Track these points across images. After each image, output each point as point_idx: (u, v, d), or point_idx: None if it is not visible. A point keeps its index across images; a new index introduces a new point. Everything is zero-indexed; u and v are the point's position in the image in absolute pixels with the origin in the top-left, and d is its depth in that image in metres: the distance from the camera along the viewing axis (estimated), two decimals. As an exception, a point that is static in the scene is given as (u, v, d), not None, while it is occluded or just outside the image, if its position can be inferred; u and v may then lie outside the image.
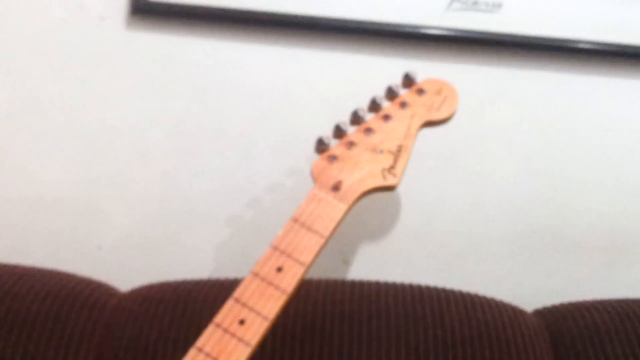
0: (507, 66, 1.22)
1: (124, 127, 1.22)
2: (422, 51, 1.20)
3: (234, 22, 1.19)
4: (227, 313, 0.83)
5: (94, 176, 1.23)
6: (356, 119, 0.94)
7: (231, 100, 1.22)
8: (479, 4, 1.20)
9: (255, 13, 1.18)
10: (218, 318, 0.82)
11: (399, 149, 0.93)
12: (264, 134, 1.23)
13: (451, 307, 1.07)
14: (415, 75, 0.97)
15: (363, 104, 0.95)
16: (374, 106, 0.94)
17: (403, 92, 0.96)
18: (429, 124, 0.96)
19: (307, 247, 0.86)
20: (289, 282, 0.84)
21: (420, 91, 0.96)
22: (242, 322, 0.82)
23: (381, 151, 0.92)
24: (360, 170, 0.91)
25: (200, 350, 0.81)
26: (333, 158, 0.91)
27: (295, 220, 0.87)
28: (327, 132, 0.93)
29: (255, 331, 0.82)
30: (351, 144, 0.92)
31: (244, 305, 0.83)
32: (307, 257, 0.85)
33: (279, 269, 0.85)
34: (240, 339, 0.81)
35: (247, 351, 0.81)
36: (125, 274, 1.18)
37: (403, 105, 0.95)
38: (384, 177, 0.91)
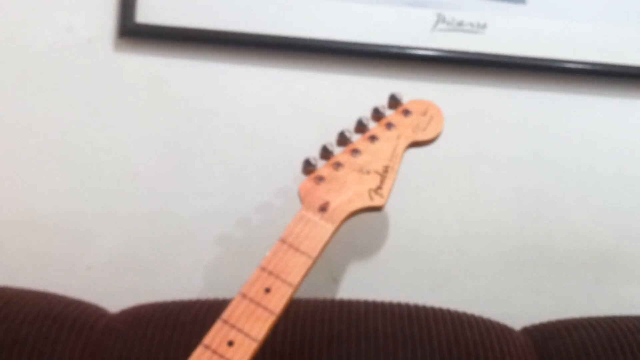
0: (492, 86, 1.23)
1: (113, 148, 1.23)
2: (408, 72, 1.21)
3: (221, 43, 1.20)
4: (216, 334, 0.83)
5: (83, 197, 1.23)
6: (343, 139, 0.94)
7: (219, 121, 1.23)
8: (464, 24, 1.21)
9: (242, 35, 1.19)
10: (207, 339, 0.83)
11: (386, 170, 0.93)
12: (252, 155, 1.23)
13: (440, 327, 1.07)
14: (401, 96, 0.98)
15: (350, 125, 0.96)
16: (361, 127, 0.95)
17: (389, 113, 0.97)
18: (415, 144, 0.97)
19: (295, 268, 0.86)
20: (277, 303, 0.84)
21: (406, 112, 0.97)
22: (230, 343, 0.82)
23: (368, 172, 0.93)
24: (347, 191, 0.91)
25: None
26: (320, 179, 0.92)
27: (283, 241, 0.88)
28: (314, 153, 0.94)
29: (244, 352, 0.82)
30: (338, 165, 0.93)
31: (233, 326, 0.83)
32: (295, 278, 0.86)
33: (267, 290, 0.85)
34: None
35: None
36: (114, 294, 1.18)
37: (389, 126, 0.96)
38: (371, 198, 0.92)
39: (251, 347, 0.82)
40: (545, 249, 1.27)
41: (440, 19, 1.20)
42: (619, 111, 1.25)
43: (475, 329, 1.09)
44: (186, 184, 1.24)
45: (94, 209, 1.23)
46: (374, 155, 0.94)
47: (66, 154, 1.22)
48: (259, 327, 0.83)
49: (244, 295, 0.85)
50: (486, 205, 1.26)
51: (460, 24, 1.21)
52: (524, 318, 1.18)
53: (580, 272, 1.27)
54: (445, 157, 1.22)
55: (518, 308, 1.25)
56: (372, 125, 0.96)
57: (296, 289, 0.86)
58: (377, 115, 0.97)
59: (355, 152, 0.94)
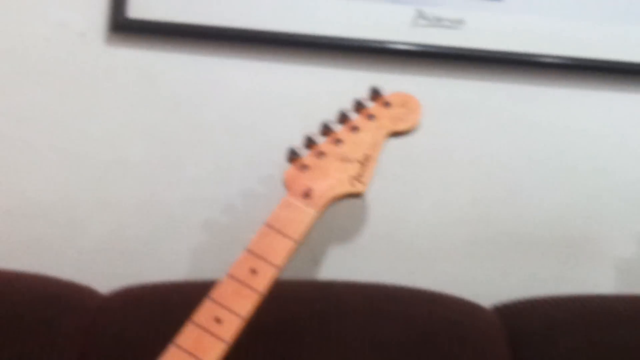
0: (469, 79, 1.27)
1: (104, 139, 1.25)
2: (389, 65, 1.25)
3: (210, 38, 1.22)
4: (205, 312, 0.88)
5: (76, 185, 1.26)
6: (326, 130, 0.99)
7: (207, 113, 1.26)
8: (442, 20, 1.24)
9: (230, 30, 1.22)
10: (196, 317, 0.88)
11: (367, 158, 0.98)
12: (239, 145, 1.26)
13: (415, 305, 1.12)
14: (382, 89, 1.02)
15: (332, 116, 0.99)
16: (343, 118, 0.99)
17: (370, 105, 1.01)
18: (395, 134, 1.01)
19: (279, 251, 0.91)
20: (263, 283, 0.89)
21: (387, 104, 1.01)
22: (218, 320, 0.87)
23: (349, 160, 0.97)
24: (330, 178, 0.96)
25: (178, 347, 0.87)
26: (304, 167, 0.96)
27: (269, 225, 0.92)
28: (298, 143, 0.98)
29: (231, 329, 0.87)
30: (321, 154, 0.97)
31: (221, 304, 0.88)
32: (279, 260, 0.91)
33: (253, 271, 0.90)
34: (216, 337, 0.87)
35: (222, 347, 0.86)
36: (105, 278, 1.20)
37: (370, 117, 1.00)
38: (352, 185, 0.96)
39: (237, 323, 0.87)
40: (516, 233, 1.31)
41: (420, 14, 1.23)
42: (591, 104, 1.29)
43: (448, 307, 1.14)
44: (175, 173, 1.27)
45: (86, 197, 1.26)
46: (355, 144, 0.98)
47: (59, 144, 1.25)
48: (245, 305, 0.88)
49: (231, 276, 0.89)
50: (461, 192, 1.29)
51: (439, 19, 1.24)
52: (495, 297, 1.23)
53: (548, 255, 1.31)
54: (424, 148, 1.26)
55: (490, 288, 1.29)
56: (354, 117, 1.00)
57: (280, 270, 0.91)
58: (358, 107, 1.00)
59: (337, 141, 0.98)
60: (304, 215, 0.93)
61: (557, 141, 1.30)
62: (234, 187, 1.27)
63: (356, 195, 0.97)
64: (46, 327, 1.04)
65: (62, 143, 1.25)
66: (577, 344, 1.10)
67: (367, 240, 1.29)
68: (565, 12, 1.25)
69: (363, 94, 1.02)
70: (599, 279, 1.32)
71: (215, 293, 0.89)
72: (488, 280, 1.31)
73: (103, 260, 1.27)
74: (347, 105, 1.01)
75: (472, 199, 1.30)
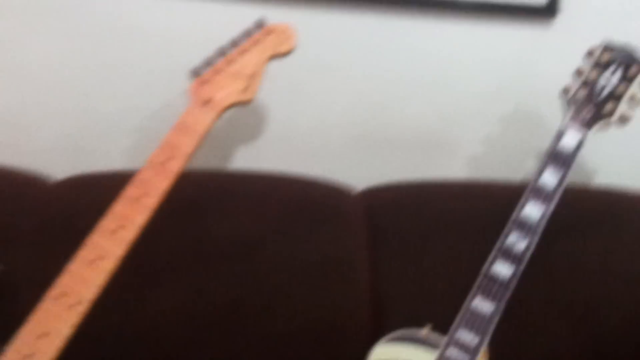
0: (344, 12, 1.48)
1: (48, 56, 1.47)
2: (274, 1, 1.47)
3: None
4: (133, 188, 1.16)
5: (28, 97, 1.48)
6: (221, 53, 1.26)
7: (136, 43, 1.48)
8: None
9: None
10: (126, 191, 1.16)
11: (254, 74, 1.25)
12: (158, 67, 1.49)
13: (286, 188, 1.37)
14: (266, 20, 1.27)
15: (227, 43, 1.25)
16: (235, 44, 1.26)
17: (257, 33, 1.27)
18: (276, 55, 1.27)
19: (186, 144, 1.19)
20: (176, 166, 1.18)
21: (269, 32, 1.27)
22: (146, 194, 1.16)
23: (240, 76, 1.25)
24: (225, 89, 1.23)
25: (114, 213, 1.15)
26: (204, 82, 1.24)
27: (177, 126, 1.20)
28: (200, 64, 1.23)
29: (148, 204, 1.15)
30: (218, 71, 1.24)
31: (145, 182, 1.17)
32: (187, 150, 1.19)
33: (169, 158, 1.18)
34: (143, 206, 1.15)
35: (148, 214, 1.15)
36: (55, 172, 1.42)
37: (256, 42, 1.26)
38: (243, 94, 1.24)
39: (158, 196, 1.16)
40: (387, 132, 1.54)
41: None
42: (445, 34, 1.51)
43: (319, 190, 1.38)
44: (111, 87, 1.50)
45: (36, 106, 1.49)
46: (244, 64, 1.25)
47: (8, 60, 1.47)
48: (162, 183, 1.16)
49: (151, 162, 1.18)
50: (342, 101, 1.52)
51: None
52: (368, 183, 1.47)
53: (412, 150, 1.56)
54: (312, 65, 1.49)
55: (364, 175, 1.51)
56: (243, 43, 1.26)
57: (189, 158, 1.18)
58: (247, 34, 1.27)
59: (230, 62, 1.25)
60: (204, 117, 1.21)
61: (416, 60, 1.52)
62: (159, 98, 1.50)
63: (246, 103, 1.24)
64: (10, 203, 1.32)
65: (12, 59, 1.48)
66: (421, 217, 1.37)
67: (268, 139, 1.53)
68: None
69: (251, 25, 1.26)
70: (451, 171, 1.57)
71: (140, 174, 1.17)
72: (363, 170, 1.54)
73: (53, 157, 1.50)
74: (238, 34, 1.25)
75: (352, 106, 1.53)
